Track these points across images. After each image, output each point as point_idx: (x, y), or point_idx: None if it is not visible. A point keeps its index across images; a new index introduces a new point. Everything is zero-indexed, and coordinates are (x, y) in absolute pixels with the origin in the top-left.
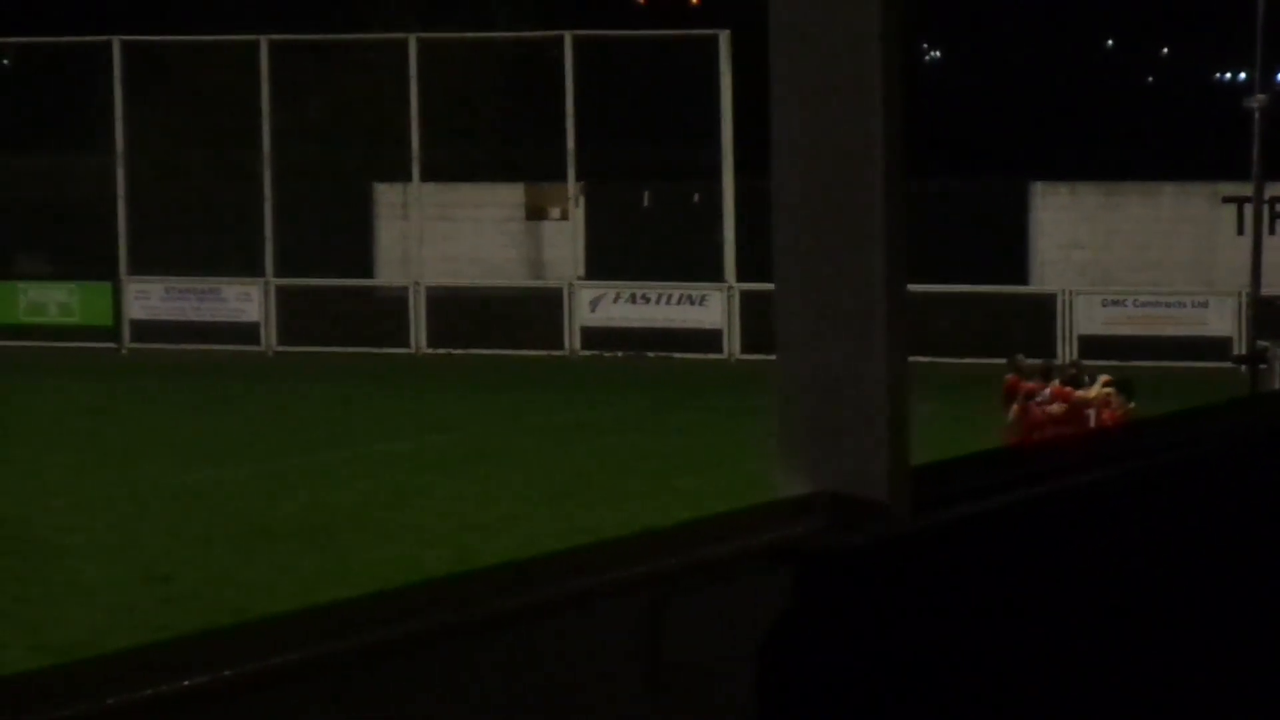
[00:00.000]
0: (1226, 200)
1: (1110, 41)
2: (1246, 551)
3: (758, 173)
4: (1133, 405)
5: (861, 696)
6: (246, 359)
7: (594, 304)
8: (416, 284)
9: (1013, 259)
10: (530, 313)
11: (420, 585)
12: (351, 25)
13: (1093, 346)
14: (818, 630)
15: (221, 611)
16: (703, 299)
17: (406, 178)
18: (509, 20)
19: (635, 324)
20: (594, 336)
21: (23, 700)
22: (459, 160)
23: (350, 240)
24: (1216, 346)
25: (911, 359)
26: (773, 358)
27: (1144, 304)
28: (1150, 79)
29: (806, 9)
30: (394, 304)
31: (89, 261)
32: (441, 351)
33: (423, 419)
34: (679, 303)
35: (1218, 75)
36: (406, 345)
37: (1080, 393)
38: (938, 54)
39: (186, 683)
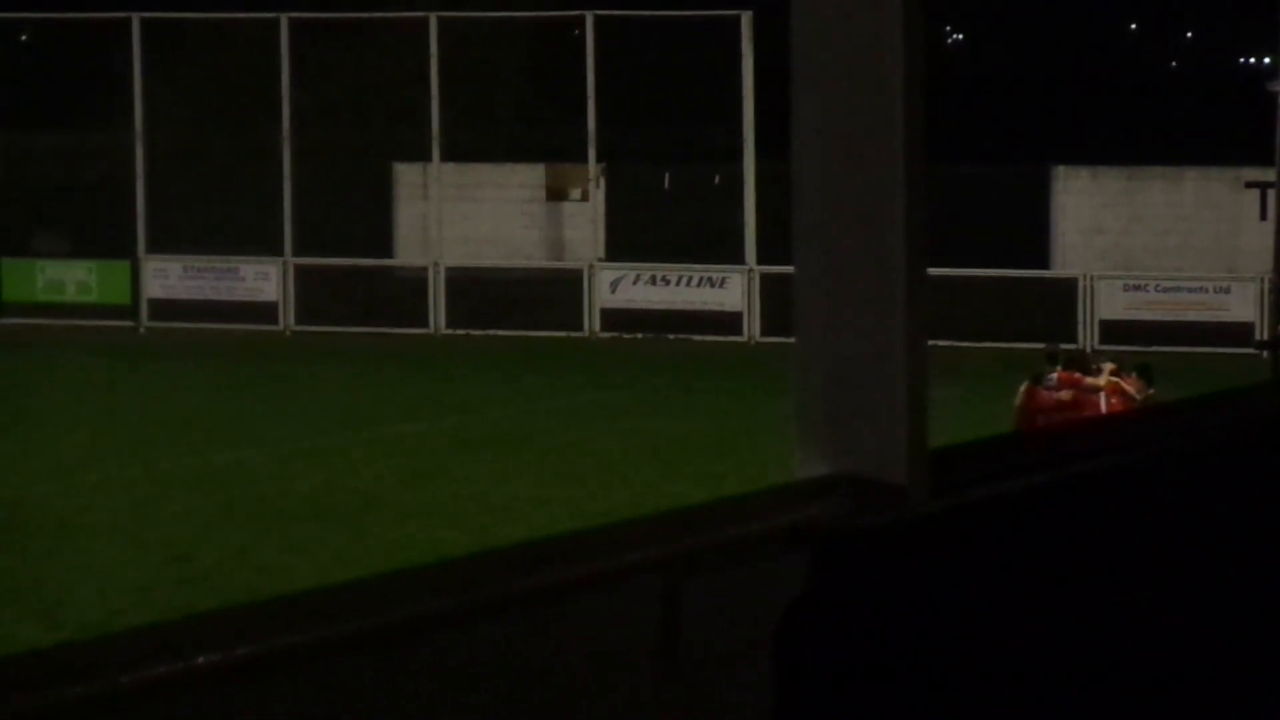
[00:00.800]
0: (1249, 185)
1: (1133, 25)
2: (1267, 536)
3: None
4: (1152, 391)
5: (880, 678)
6: (264, 338)
7: (614, 285)
8: (436, 264)
9: (1034, 243)
10: (550, 294)
11: (437, 566)
12: (372, 4)
13: (1114, 331)
14: (836, 612)
15: (238, 591)
16: (723, 281)
17: (426, 158)
18: (530, 0)
19: (655, 306)
20: (614, 318)
21: (39, 677)
22: (479, 140)
23: (369, 220)
24: (1238, 332)
25: (931, 343)
26: (792, 340)
27: (1166, 289)
28: (1173, 63)
29: None
30: (413, 284)
31: (107, 240)
32: (460, 332)
33: (441, 400)
34: (699, 285)
35: (1241, 60)
36: (425, 326)
37: (1090, 380)
38: (960, 37)
39: (201, 660)
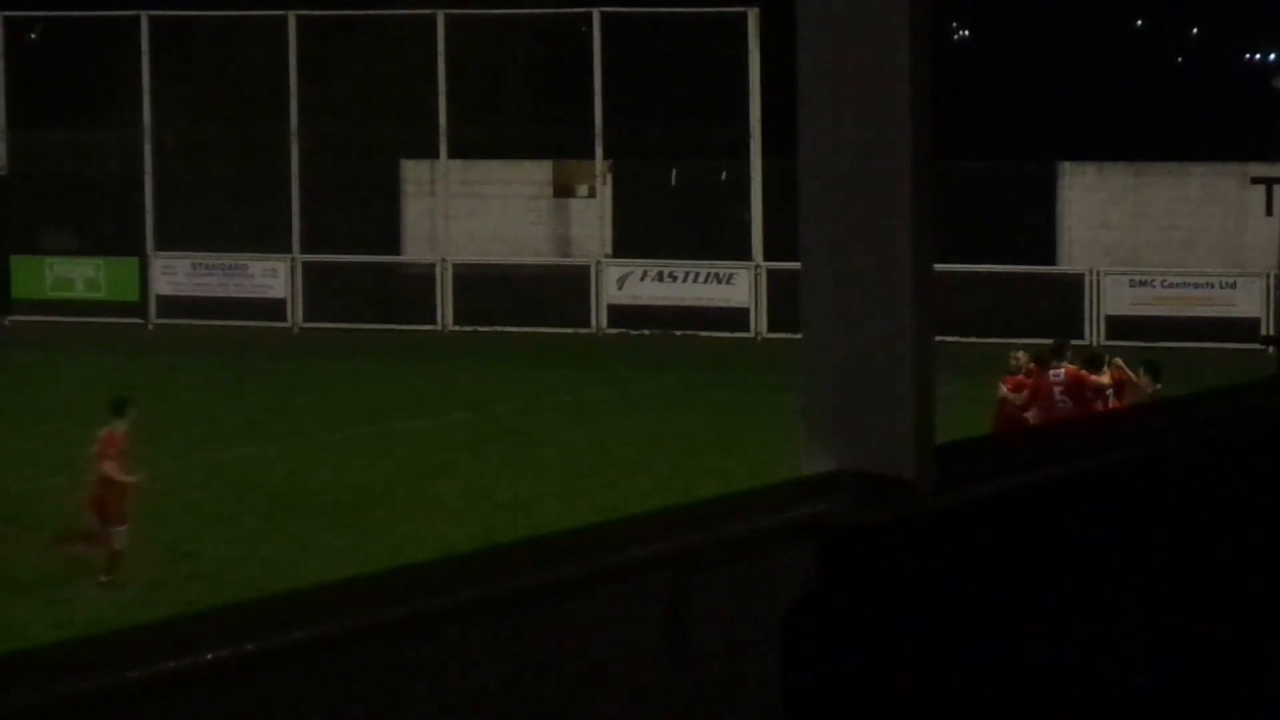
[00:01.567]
0: (1255, 181)
1: (1139, 21)
2: (1273, 528)
3: (785, 151)
4: (1160, 386)
5: (885, 671)
6: (272, 335)
7: (621, 282)
8: (443, 261)
9: (1040, 239)
10: (557, 290)
11: (444, 562)
12: (380, 1)
13: (1120, 327)
14: (842, 606)
15: (246, 588)
16: (730, 277)
17: (434, 154)
18: None
19: (662, 302)
20: (621, 314)
21: (50, 673)
22: (486, 137)
23: (377, 217)
24: (1244, 327)
25: (938, 339)
26: (799, 337)
27: (1172, 284)
28: (1179, 59)
29: None
30: (420, 281)
31: (116, 237)
32: (468, 329)
33: (448, 396)
34: (706, 281)
35: (1247, 56)
36: (433, 322)
37: (1095, 378)
38: (966, 33)
39: (210, 656)
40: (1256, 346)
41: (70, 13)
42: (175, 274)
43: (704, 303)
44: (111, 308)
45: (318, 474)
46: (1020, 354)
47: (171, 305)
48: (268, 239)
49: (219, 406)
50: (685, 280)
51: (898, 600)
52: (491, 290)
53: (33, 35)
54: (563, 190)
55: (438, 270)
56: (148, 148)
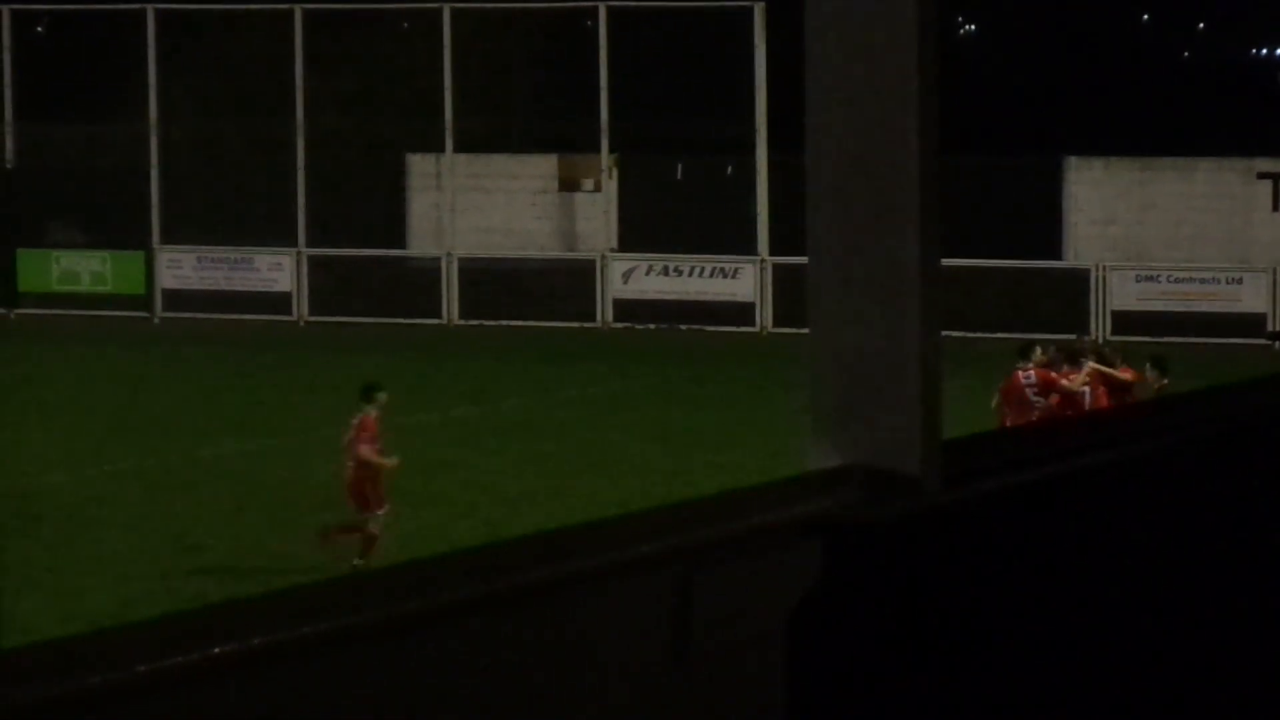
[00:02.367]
0: (1261, 176)
1: (1146, 16)
2: (1275, 526)
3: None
4: (1167, 381)
5: (892, 667)
6: (278, 329)
7: (626, 276)
8: (449, 255)
9: (1046, 234)
10: (563, 284)
11: (449, 556)
12: None
13: (1126, 322)
14: (848, 602)
15: (251, 582)
16: (735, 272)
17: (440, 148)
18: None
19: (667, 296)
20: (626, 308)
21: (56, 667)
22: (492, 131)
23: (383, 211)
24: (1250, 323)
25: (944, 334)
26: (805, 331)
27: (1178, 280)
28: (1186, 54)
29: None
30: (426, 275)
31: (122, 230)
32: (473, 323)
33: (453, 390)
34: (711, 275)
35: (1254, 51)
36: (438, 316)
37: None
38: (973, 28)
39: (217, 650)
40: (1262, 341)
41: (77, 6)
42: (181, 267)
43: (709, 297)
44: (117, 301)
45: (323, 468)
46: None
47: (177, 299)
48: (273, 233)
49: (224, 400)
50: (691, 275)
51: (904, 596)
52: (497, 284)
53: (39, 28)
54: (568, 184)
55: (443, 264)
56: (154, 141)
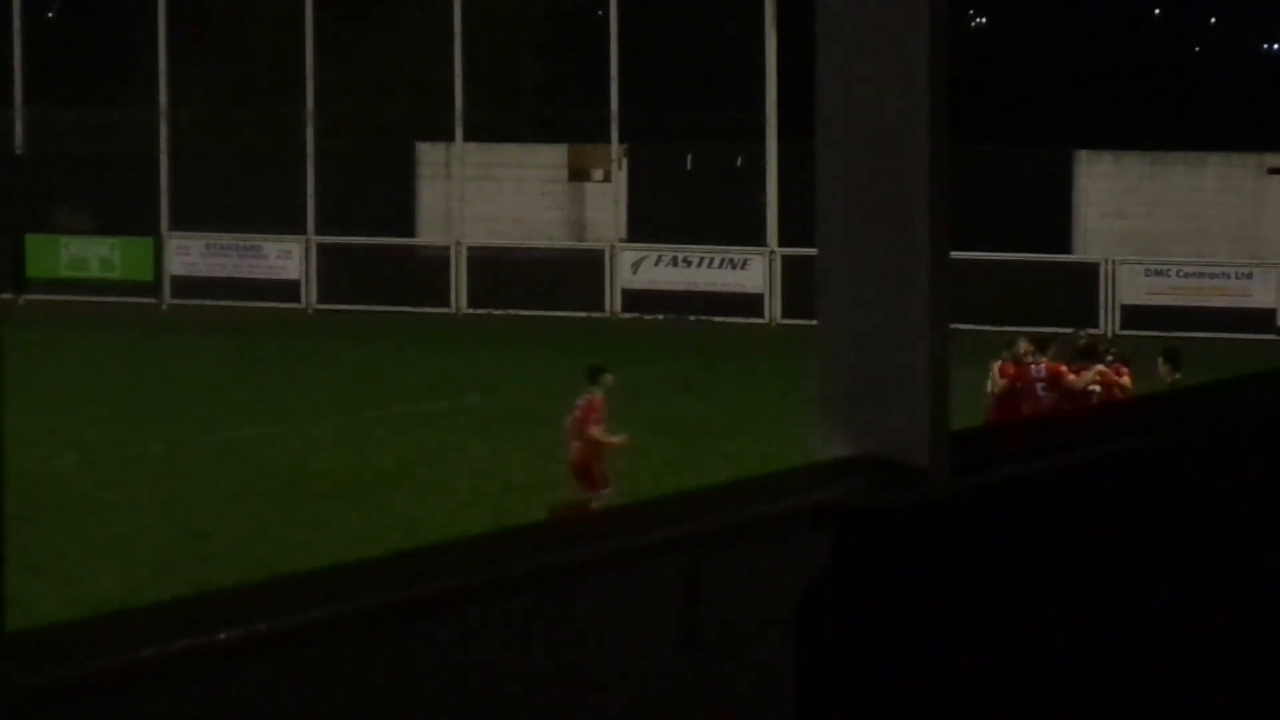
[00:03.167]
0: (1272, 171)
1: (1157, 10)
2: None
3: (801, 136)
4: (1179, 375)
5: (900, 658)
6: (286, 316)
7: (635, 266)
8: (458, 244)
9: (1056, 227)
10: (571, 274)
11: (456, 543)
12: None
13: (1135, 316)
14: (857, 592)
15: (258, 568)
16: (744, 263)
17: (449, 137)
18: None
19: (677, 287)
20: (635, 299)
21: (61, 651)
22: (502, 120)
23: (392, 199)
24: (1260, 318)
25: (953, 326)
26: (814, 322)
27: (1187, 274)
28: (1197, 48)
29: None
30: (435, 263)
31: (130, 216)
32: (482, 312)
33: (462, 379)
34: (721, 266)
35: (1265, 45)
36: (447, 305)
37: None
38: (984, 21)
39: (223, 635)
40: (1272, 336)
41: None
42: (190, 254)
43: (718, 288)
44: (126, 287)
45: (330, 455)
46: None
47: (186, 285)
48: (282, 220)
49: (232, 387)
50: (700, 265)
51: (911, 586)
52: (506, 273)
53: (49, 14)
54: (578, 174)
55: (452, 253)
56: (163, 127)
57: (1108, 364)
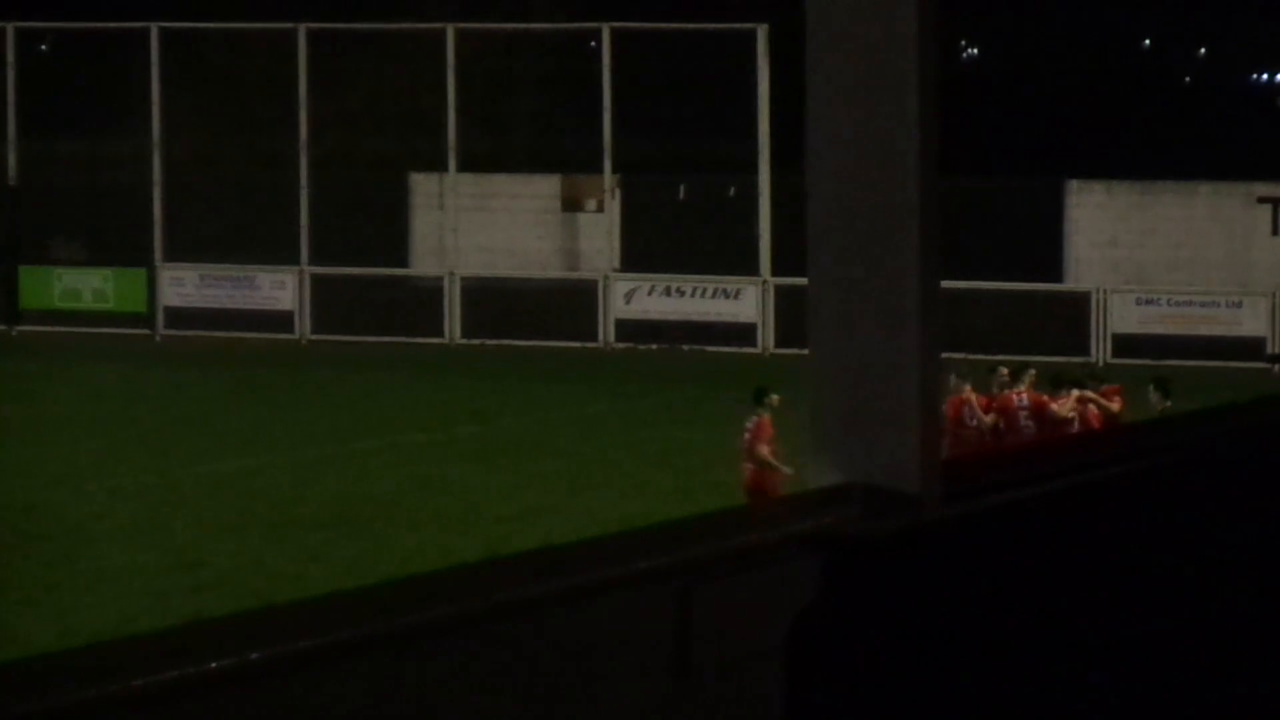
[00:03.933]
0: (1261, 200)
1: (1147, 41)
2: (1272, 545)
3: (794, 167)
4: (1169, 404)
5: (891, 683)
6: (280, 347)
7: (629, 296)
8: (451, 274)
9: (1047, 257)
10: (565, 304)
11: (449, 572)
12: (389, 14)
13: (1126, 345)
14: (848, 618)
15: (251, 598)
16: (737, 293)
17: (443, 168)
18: (547, 11)
19: (670, 317)
20: (628, 329)
21: (54, 680)
22: (495, 151)
23: (385, 230)
24: (1250, 346)
25: (945, 355)
26: (806, 352)
27: (1178, 303)
28: (1187, 78)
29: (845, 6)
30: (428, 294)
31: (124, 248)
32: (475, 342)
33: (456, 409)
34: (714, 296)
35: (1254, 76)
36: (440, 335)
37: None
38: (975, 51)
39: (214, 665)
40: (1262, 365)
41: (81, 24)
42: (183, 285)
43: (711, 318)
44: (119, 318)
45: (324, 485)
46: (1004, 369)
47: (179, 316)
48: (276, 251)
49: (226, 418)
50: (693, 295)
51: (903, 612)
52: (499, 304)
53: (43, 46)
54: (571, 204)
55: (446, 283)
56: (157, 159)
57: (1094, 389)
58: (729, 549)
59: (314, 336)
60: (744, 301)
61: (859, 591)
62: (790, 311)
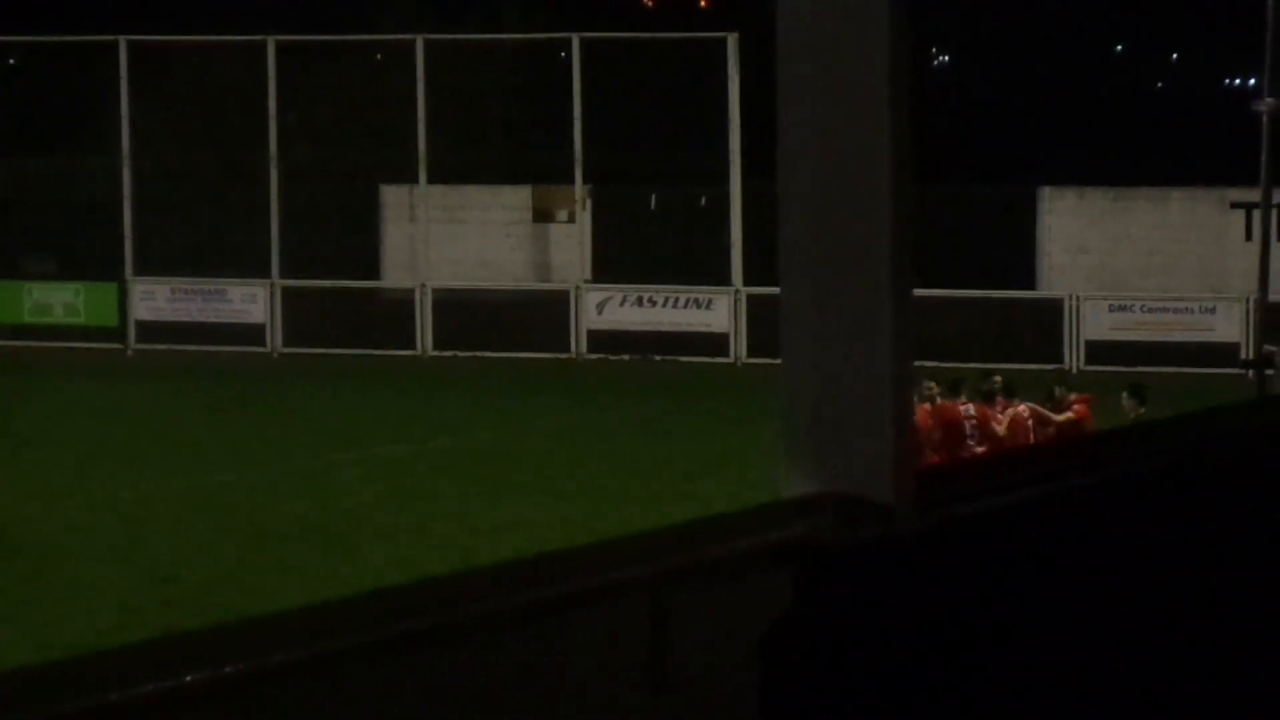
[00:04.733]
0: (1235, 205)
1: (1119, 47)
2: (1248, 553)
3: (765, 176)
4: (1144, 410)
5: (866, 694)
6: (252, 360)
7: (600, 307)
8: (423, 286)
9: (1020, 263)
10: (537, 315)
11: (422, 584)
12: (359, 27)
13: (1100, 351)
14: (822, 629)
15: (225, 612)
16: (709, 303)
17: (413, 179)
18: (517, 22)
19: (642, 327)
20: (600, 339)
21: (26, 695)
22: (466, 162)
23: (356, 242)
24: (1224, 352)
25: (918, 363)
26: (779, 361)
27: (1152, 309)
28: (1159, 84)
29: (815, 13)
30: (400, 306)
31: (94, 262)
32: (447, 354)
33: (428, 421)
34: (686, 306)
35: (1227, 81)
36: (412, 347)
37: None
38: (946, 58)
39: (189, 679)
40: (1236, 371)
41: (49, 37)
42: (154, 299)
43: (684, 328)
44: (90, 333)
45: (297, 499)
46: (931, 384)
47: (150, 330)
48: (247, 264)
49: (198, 432)
50: (665, 305)
51: (877, 622)
52: (471, 315)
53: (11, 60)
54: (542, 215)
55: (417, 295)
56: (126, 173)
57: (1061, 399)
58: (702, 560)
59: (285, 349)
60: (716, 311)
61: (833, 601)
62: (763, 321)
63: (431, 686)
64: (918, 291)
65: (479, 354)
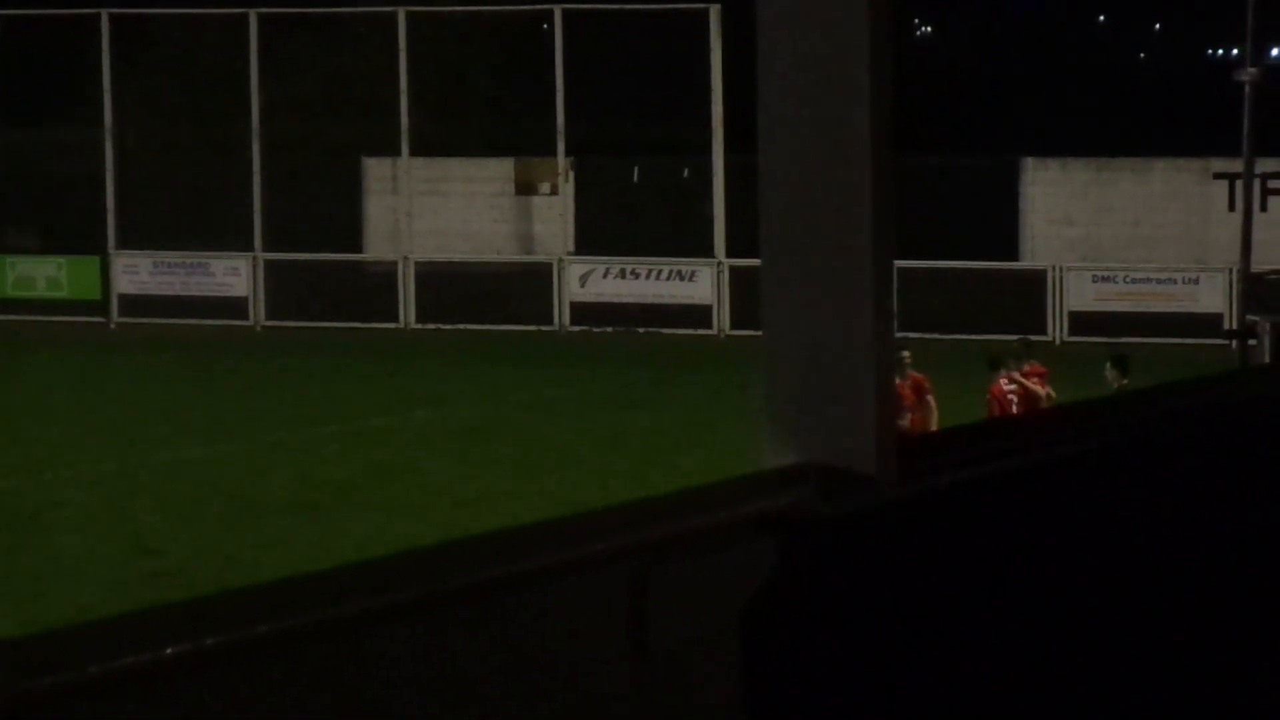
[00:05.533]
0: (1218, 176)
1: (1102, 17)
2: (1230, 522)
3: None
4: (1127, 381)
5: (848, 664)
6: (235, 333)
7: (583, 279)
8: (405, 258)
9: (1003, 235)
10: (520, 288)
11: (403, 555)
12: None
13: (1083, 323)
14: (803, 599)
15: (209, 585)
16: (692, 274)
17: (395, 152)
18: None
19: (625, 299)
20: (583, 312)
21: (5, 668)
22: (448, 134)
23: (339, 215)
24: (1207, 322)
25: (902, 335)
26: (762, 332)
27: (1135, 280)
28: (1142, 55)
29: None
30: (383, 279)
31: (77, 236)
32: (430, 326)
33: (411, 394)
34: (669, 278)
35: (1210, 51)
36: (395, 320)
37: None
38: (928, 29)
39: (170, 651)
40: (1219, 341)
41: (31, 10)
42: (137, 272)
43: (667, 300)
44: (73, 306)
45: (281, 472)
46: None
47: (133, 304)
48: (230, 237)
49: (181, 405)
50: (648, 277)
51: (859, 592)
52: (454, 288)
53: None
54: (525, 188)
55: (400, 268)
56: (109, 146)
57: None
58: (684, 530)
59: (269, 322)
60: (699, 283)
61: (815, 572)
62: (745, 292)
63: (413, 658)
64: (900, 263)
65: (462, 326)
